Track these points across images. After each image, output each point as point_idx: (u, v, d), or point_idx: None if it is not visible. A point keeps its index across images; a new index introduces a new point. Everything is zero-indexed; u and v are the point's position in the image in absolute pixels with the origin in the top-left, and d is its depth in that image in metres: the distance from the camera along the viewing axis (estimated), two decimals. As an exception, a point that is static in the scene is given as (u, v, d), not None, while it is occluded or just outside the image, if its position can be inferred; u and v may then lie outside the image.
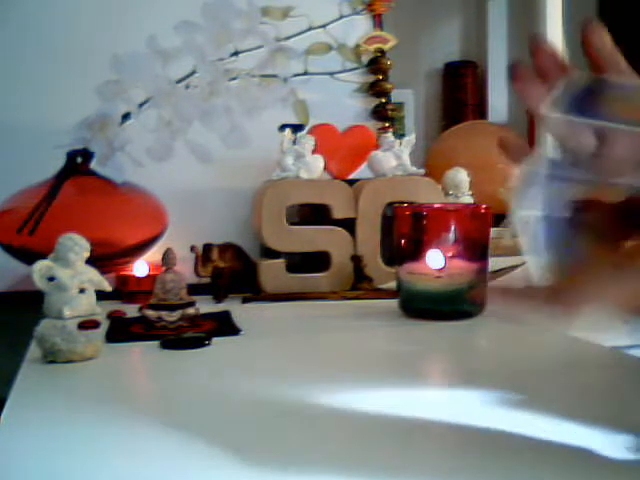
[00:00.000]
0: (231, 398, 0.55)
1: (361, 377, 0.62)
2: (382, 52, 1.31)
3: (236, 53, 1.25)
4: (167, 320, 0.79)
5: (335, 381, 0.60)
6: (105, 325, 0.72)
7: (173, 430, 0.47)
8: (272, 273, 1.08)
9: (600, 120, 0.37)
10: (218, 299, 1.03)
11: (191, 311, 0.81)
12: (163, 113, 1.22)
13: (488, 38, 1.67)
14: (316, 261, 1.09)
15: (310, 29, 1.28)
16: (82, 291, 0.66)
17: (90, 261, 0.68)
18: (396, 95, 1.37)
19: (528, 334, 0.80)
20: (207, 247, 1.05)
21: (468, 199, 1.21)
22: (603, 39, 0.40)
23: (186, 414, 0.51)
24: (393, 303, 0.90)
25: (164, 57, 1.22)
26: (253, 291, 1.07)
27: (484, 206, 0.89)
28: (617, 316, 0.39)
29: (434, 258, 0.85)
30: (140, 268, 1.10)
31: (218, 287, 1.04)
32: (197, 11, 1.23)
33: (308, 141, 1.13)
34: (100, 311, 0.69)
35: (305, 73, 1.28)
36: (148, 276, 1.07)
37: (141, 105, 1.22)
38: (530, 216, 0.38)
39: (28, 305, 0.73)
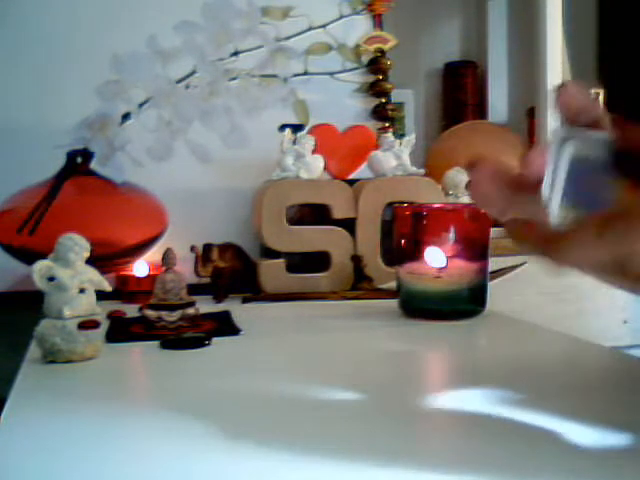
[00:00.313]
0: (231, 398, 0.55)
1: (361, 377, 0.62)
2: (382, 52, 1.31)
3: (236, 53, 1.25)
4: (167, 320, 0.79)
5: (335, 381, 0.60)
6: (105, 325, 0.72)
7: (173, 430, 0.47)
8: (272, 273, 1.08)
9: None
10: (218, 299, 1.03)
11: (191, 311, 0.81)
12: (163, 113, 1.22)
13: (488, 38, 1.67)
14: (316, 261, 1.09)
15: (310, 29, 1.28)
16: (82, 291, 0.66)
17: (90, 261, 0.68)
18: (396, 95, 1.38)
19: (528, 334, 0.80)
20: (207, 247, 1.05)
21: (468, 199, 1.21)
22: (578, 97, 0.40)
23: (186, 414, 0.51)
24: (393, 303, 0.90)
25: (164, 57, 1.22)
26: (253, 291, 1.07)
27: (484, 206, 0.89)
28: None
29: (435, 257, 0.85)
30: (140, 268, 1.10)
31: (218, 287, 1.04)
32: (197, 11, 1.23)
33: (308, 141, 1.13)
34: (100, 311, 0.69)
35: (305, 73, 1.28)
36: (148, 276, 1.07)
37: (141, 105, 1.22)
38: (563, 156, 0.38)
39: (28, 305, 0.73)
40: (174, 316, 0.79)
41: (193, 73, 1.23)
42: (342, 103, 1.31)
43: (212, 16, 1.24)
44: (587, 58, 1.65)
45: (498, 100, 1.67)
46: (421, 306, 0.87)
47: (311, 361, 0.69)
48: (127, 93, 1.21)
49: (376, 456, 0.42)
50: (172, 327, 0.79)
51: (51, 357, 0.66)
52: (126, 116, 1.21)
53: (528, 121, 1.56)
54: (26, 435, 0.47)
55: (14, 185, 1.13)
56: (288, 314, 0.96)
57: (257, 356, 0.71)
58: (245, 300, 1.03)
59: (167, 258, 0.82)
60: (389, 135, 1.18)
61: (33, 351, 0.69)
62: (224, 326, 0.82)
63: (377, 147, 1.18)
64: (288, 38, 1.27)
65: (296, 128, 1.19)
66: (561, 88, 0.40)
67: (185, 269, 0.89)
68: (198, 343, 0.72)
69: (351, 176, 1.23)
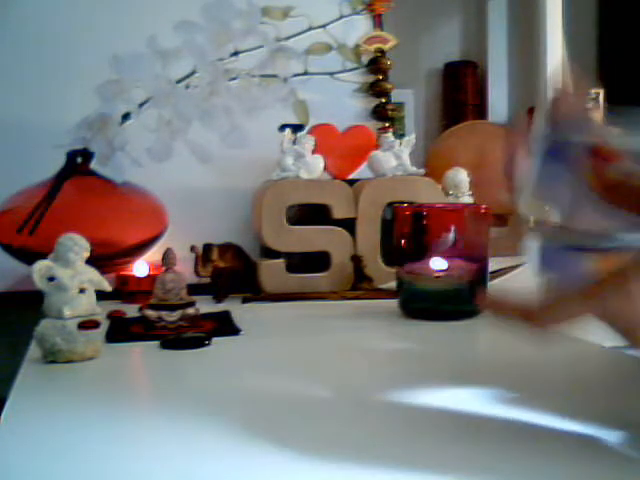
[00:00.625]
0: (231, 398, 0.55)
1: (361, 377, 0.62)
2: (382, 52, 1.31)
3: (236, 53, 1.25)
4: (167, 320, 0.79)
5: (335, 380, 0.60)
6: (105, 325, 0.72)
7: (173, 430, 0.47)
8: (272, 273, 1.08)
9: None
10: (218, 299, 1.03)
11: (191, 311, 0.81)
12: (163, 113, 1.22)
13: (488, 38, 1.67)
14: (316, 261, 1.09)
15: (310, 29, 1.28)
16: (82, 291, 0.66)
17: (90, 261, 0.68)
18: (396, 95, 1.37)
19: (528, 334, 0.79)
20: (207, 247, 1.05)
21: (468, 199, 1.21)
22: (572, 104, 0.41)
23: (186, 414, 0.51)
24: (393, 303, 0.90)
25: (164, 57, 1.22)
26: (253, 291, 1.07)
27: (484, 206, 0.89)
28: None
29: (436, 262, 0.85)
30: (140, 268, 1.10)
31: (218, 287, 1.04)
32: (197, 11, 1.23)
33: (308, 141, 1.13)
34: (100, 311, 0.69)
35: (305, 73, 1.28)
36: (148, 276, 1.07)
37: (141, 105, 1.22)
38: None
39: (28, 305, 0.73)
40: (174, 316, 0.79)
41: (193, 73, 1.23)
42: (342, 103, 1.31)
43: (212, 16, 1.24)
44: (587, 58, 1.65)
45: (498, 100, 1.67)
46: (421, 306, 0.87)
47: (311, 361, 0.69)
48: (127, 93, 1.21)
49: (376, 455, 0.42)
50: (172, 327, 0.79)
51: (51, 357, 0.66)
52: (126, 116, 1.21)
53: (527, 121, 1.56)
54: (26, 435, 0.47)
55: (14, 185, 1.13)
56: (288, 314, 0.96)
57: (257, 356, 0.71)
58: (245, 300, 1.03)
59: (167, 258, 0.82)
60: (389, 135, 1.18)
61: (33, 351, 0.69)
62: (224, 326, 0.82)
63: (377, 147, 1.18)
64: (288, 38, 1.27)
65: (296, 128, 1.19)
66: (558, 98, 0.41)
67: (185, 269, 0.89)
68: (198, 343, 0.72)
69: (351, 176, 1.23)
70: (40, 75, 1.18)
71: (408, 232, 0.89)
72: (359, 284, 1.06)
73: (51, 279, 0.66)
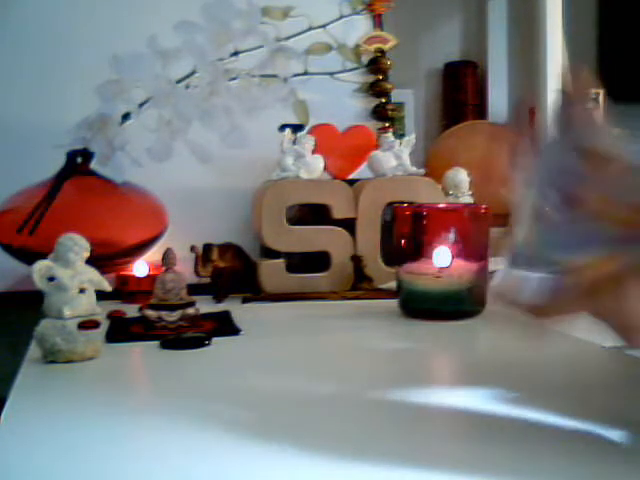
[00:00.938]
0: (231, 398, 0.55)
1: (361, 377, 0.62)
2: (382, 52, 1.31)
3: (236, 53, 1.25)
4: (167, 320, 0.79)
5: (335, 380, 0.60)
6: (105, 325, 0.72)
7: (173, 430, 0.47)
8: (272, 273, 1.08)
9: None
10: (218, 299, 1.03)
11: (191, 311, 0.81)
12: (163, 113, 1.22)
13: (488, 38, 1.67)
14: (316, 261, 1.09)
15: (310, 29, 1.28)
16: (82, 291, 0.66)
17: (90, 261, 0.68)
18: (396, 95, 1.37)
19: (528, 334, 0.79)
20: (207, 247, 1.05)
21: (468, 199, 1.21)
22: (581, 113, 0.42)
23: (186, 414, 0.51)
24: (393, 303, 0.90)
25: (164, 57, 1.22)
26: (253, 291, 1.07)
27: (484, 206, 0.89)
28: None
29: (440, 256, 0.85)
30: (140, 268, 1.10)
31: (218, 287, 1.04)
32: (197, 11, 1.23)
33: (308, 141, 1.13)
34: (100, 311, 0.69)
35: (305, 73, 1.28)
36: (148, 276, 1.07)
37: (141, 105, 1.22)
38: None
39: (28, 305, 0.73)
40: (174, 316, 0.79)
41: (193, 73, 1.23)
42: (342, 103, 1.31)
43: (212, 16, 1.24)
44: (587, 58, 1.65)
45: (498, 100, 1.67)
46: (421, 306, 0.87)
47: (311, 361, 0.69)
48: (127, 93, 1.21)
49: (376, 454, 0.42)
50: (172, 327, 0.79)
51: (51, 357, 0.66)
52: (126, 116, 1.21)
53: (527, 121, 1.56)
54: (26, 435, 0.47)
55: (14, 185, 1.13)
56: (288, 314, 0.96)
57: (257, 356, 0.71)
58: (245, 300, 1.03)
59: (167, 258, 0.82)
60: (389, 135, 1.18)
61: (33, 351, 0.69)
62: (224, 326, 0.82)
63: (377, 147, 1.18)
64: (288, 38, 1.27)
65: (296, 128, 1.19)
66: (566, 104, 0.41)
67: (185, 269, 0.89)
68: (198, 343, 0.72)
69: (351, 176, 1.23)
70: (40, 75, 1.18)
71: (408, 232, 0.89)
72: (359, 284, 1.06)
73: (51, 279, 0.66)
